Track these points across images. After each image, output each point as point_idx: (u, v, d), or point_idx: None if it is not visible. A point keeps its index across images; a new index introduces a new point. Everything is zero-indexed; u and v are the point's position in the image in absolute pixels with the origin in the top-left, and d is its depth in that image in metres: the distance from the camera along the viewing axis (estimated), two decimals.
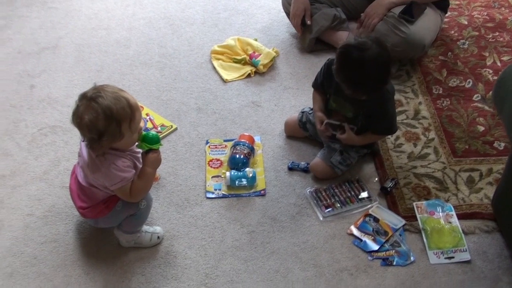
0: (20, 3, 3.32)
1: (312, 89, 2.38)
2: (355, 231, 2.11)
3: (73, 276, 2.02)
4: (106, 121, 1.73)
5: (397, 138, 2.43)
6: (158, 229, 2.11)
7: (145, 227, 2.09)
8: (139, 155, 1.94)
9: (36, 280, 2.00)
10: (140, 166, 1.93)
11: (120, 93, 1.78)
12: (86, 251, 2.09)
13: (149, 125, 2.49)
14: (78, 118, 1.76)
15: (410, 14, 2.59)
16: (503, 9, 3.14)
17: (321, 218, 2.17)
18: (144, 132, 1.89)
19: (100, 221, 2.02)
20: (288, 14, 2.94)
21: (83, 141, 1.85)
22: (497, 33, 2.97)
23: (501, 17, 3.08)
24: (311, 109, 2.40)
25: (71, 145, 2.44)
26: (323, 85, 2.28)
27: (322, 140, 2.36)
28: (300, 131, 2.44)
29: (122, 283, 1.98)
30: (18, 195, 2.27)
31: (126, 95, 1.79)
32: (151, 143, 1.88)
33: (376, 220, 2.13)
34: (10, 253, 2.08)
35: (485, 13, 3.11)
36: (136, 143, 1.91)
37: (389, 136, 2.43)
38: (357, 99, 2.12)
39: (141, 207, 1.99)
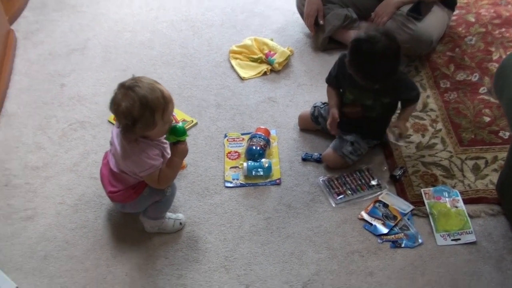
0: (51, 8, 3.44)
1: (325, 86, 2.45)
2: (366, 216, 2.21)
3: (102, 258, 2.12)
4: (141, 109, 1.84)
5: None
6: (180, 215, 2.22)
7: (168, 214, 2.19)
8: (167, 145, 2.05)
9: (69, 262, 2.11)
10: (168, 155, 2.04)
11: (155, 85, 1.89)
12: (113, 236, 2.20)
13: None
14: (115, 105, 1.87)
15: (417, 12, 2.69)
16: (510, 6, 3.21)
17: (333, 205, 2.27)
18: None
19: (128, 206, 2.13)
20: (302, 15, 3.04)
21: (118, 128, 1.96)
22: (504, 29, 3.04)
23: (507, 14, 3.15)
24: (323, 103, 2.51)
25: (99, 139, 2.57)
26: (337, 78, 2.36)
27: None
28: (312, 125, 2.55)
29: (147, 265, 2.09)
30: (50, 185, 2.39)
31: (161, 87, 1.91)
32: (178, 135, 1.98)
33: (385, 205, 2.23)
34: (44, 238, 2.19)
35: (492, 11, 3.18)
36: (164, 136, 2.01)
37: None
38: (381, 89, 2.21)
39: (167, 194, 2.10)
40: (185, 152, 2.04)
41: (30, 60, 3.06)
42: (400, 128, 2.30)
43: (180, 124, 2.04)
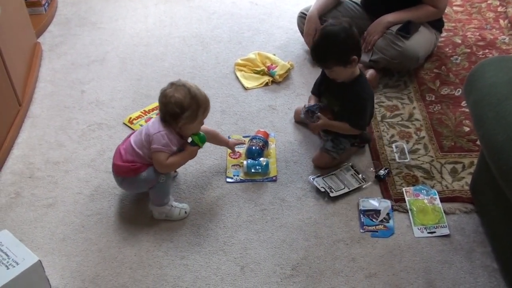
0: (74, 24, 3.70)
1: None
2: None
3: (114, 241, 2.33)
4: (191, 101, 2.21)
5: (392, 136, 2.74)
6: (185, 205, 2.43)
7: (174, 203, 2.40)
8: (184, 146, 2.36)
9: (84, 244, 2.32)
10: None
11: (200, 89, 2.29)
12: (125, 222, 2.40)
13: None
14: (167, 97, 2.22)
15: (406, 31, 2.91)
16: (494, 30, 3.42)
17: (323, 199, 2.48)
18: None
19: (125, 182, 2.36)
20: (302, 33, 3.27)
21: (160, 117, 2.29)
22: (487, 50, 3.25)
23: (491, 37, 3.36)
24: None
25: (115, 139, 2.78)
26: (319, 86, 2.66)
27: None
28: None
29: (154, 248, 2.29)
30: (70, 178, 2.61)
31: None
32: (201, 140, 2.35)
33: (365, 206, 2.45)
34: (62, 223, 2.40)
35: (478, 34, 3.39)
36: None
37: (385, 134, 2.77)
38: (341, 95, 2.49)
39: (160, 181, 2.32)
40: (194, 154, 2.39)
41: (54, 69, 3.30)
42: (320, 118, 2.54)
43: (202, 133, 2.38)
